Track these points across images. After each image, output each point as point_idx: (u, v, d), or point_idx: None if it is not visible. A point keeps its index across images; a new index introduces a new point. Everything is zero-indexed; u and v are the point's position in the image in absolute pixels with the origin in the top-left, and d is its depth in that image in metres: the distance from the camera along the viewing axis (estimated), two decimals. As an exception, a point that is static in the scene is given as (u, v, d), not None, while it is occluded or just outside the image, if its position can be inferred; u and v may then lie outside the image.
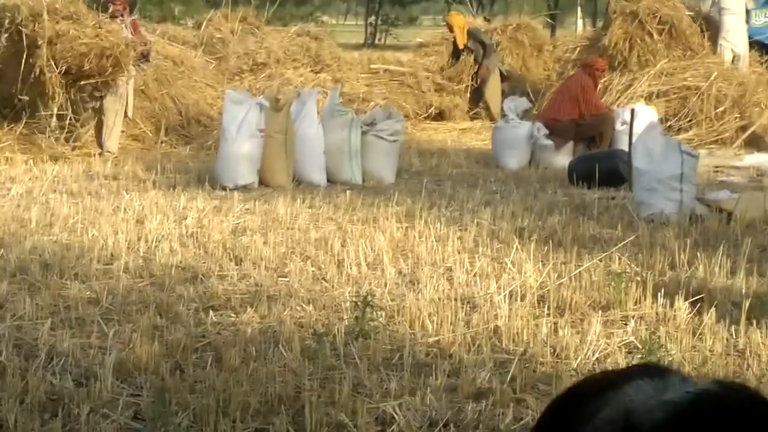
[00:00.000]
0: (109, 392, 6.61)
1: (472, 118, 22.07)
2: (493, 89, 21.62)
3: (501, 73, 22.04)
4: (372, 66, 23.39)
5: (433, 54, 24.07)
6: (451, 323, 7.98)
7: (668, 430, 1.62)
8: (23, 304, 8.43)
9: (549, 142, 16.51)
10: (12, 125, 17.17)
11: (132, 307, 8.48)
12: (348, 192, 13.78)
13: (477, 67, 22.08)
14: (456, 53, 22.15)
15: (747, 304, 8.17)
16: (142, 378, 6.89)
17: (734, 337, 7.76)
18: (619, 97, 18.85)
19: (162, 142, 18.49)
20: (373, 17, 78.69)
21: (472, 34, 21.98)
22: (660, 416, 1.66)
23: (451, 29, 22.63)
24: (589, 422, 1.71)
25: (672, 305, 8.38)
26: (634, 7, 21.55)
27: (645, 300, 8.58)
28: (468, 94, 22.47)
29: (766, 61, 20.43)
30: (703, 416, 1.68)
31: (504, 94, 20.64)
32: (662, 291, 8.80)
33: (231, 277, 9.34)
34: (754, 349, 7.42)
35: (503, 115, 17.55)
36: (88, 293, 8.83)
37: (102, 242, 10.50)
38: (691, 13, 21.19)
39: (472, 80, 22.09)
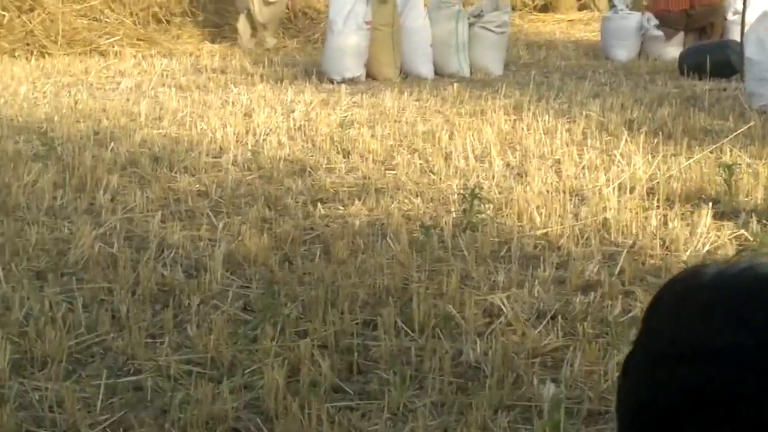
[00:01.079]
0: (219, 284, 6.75)
1: (581, 8, 21.89)
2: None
3: None
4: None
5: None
6: (559, 216, 8.00)
7: (704, 286, 1.59)
8: (134, 196, 8.57)
9: (659, 32, 16.39)
10: (118, 16, 17.35)
11: (241, 199, 8.61)
12: (455, 85, 13.75)
13: None
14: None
15: None
16: (251, 270, 7.04)
17: None
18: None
19: (284, 36, 18.53)
20: None
21: None
22: (714, 275, 1.62)
23: None
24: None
25: (784, 197, 8.34)
26: None
27: (756, 192, 8.53)
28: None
29: None
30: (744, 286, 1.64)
31: None
32: None
33: (339, 170, 9.39)
34: None
35: (612, 6, 17.45)
36: (197, 186, 8.96)
37: (210, 136, 10.60)
38: None
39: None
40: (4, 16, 16.44)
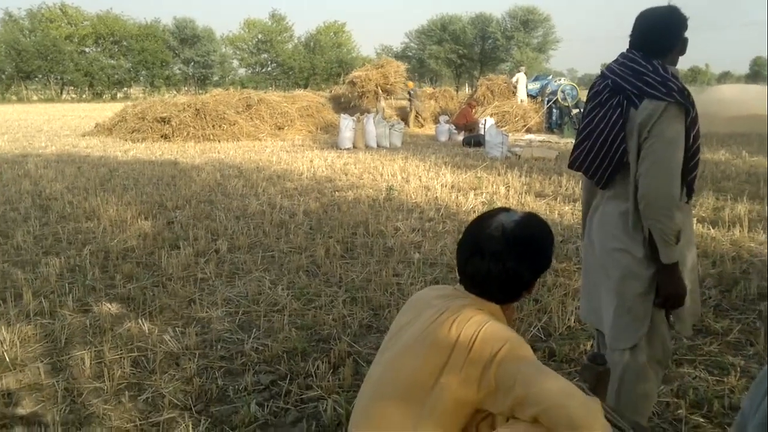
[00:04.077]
0: (301, 220, 6.66)
1: (434, 122, 21.49)
2: (420, 109, 20.90)
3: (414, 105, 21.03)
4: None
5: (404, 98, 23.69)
6: (420, 196, 7.95)
7: (515, 227, 1.76)
8: (272, 189, 8.42)
9: (455, 131, 16.42)
10: (264, 124, 17.24)
11: (308, 190, 8.34)
12: (384, 150, 13.63)
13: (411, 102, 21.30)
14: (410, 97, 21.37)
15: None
16: (313, 215, 6.87)
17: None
18: (480, 114, 18.60)
19: (319, 130, 18.36)
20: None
21: (413, 90, 21.35)
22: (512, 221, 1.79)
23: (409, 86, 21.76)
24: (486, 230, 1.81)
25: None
26: (488, 82, 21.45)
27: (491, 187, 8.57)
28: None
29: (533, 101, 20.16)
30: (526, 222, 1.80)
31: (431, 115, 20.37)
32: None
33: (342, 179, 9.23)
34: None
35: (439, 121, 17.46)
36: (293, 186, 8.72)
37: (297, 168, 10.42)
38: (508, 83, 21.06)
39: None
40: (226, 122, 16.27)
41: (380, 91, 19.25)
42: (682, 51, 2.38)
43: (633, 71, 2.30)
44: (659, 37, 2.32)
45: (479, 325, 1.60)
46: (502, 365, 1.53)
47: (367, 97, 19.59)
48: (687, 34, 2.38)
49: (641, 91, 2.26)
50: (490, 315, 1.68)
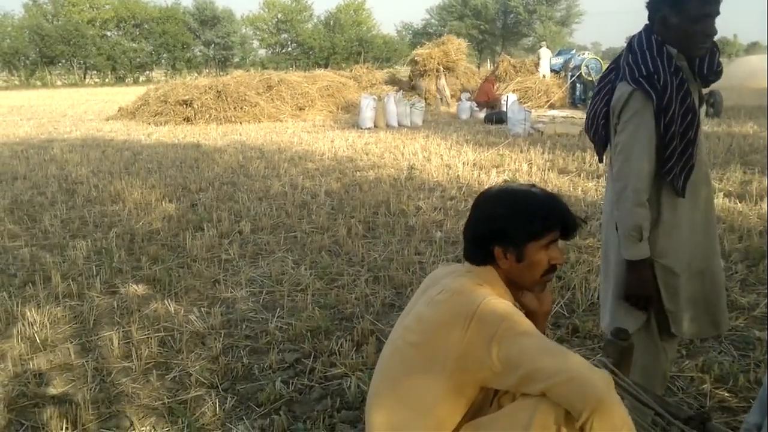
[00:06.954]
0: (324, 199, 6.67)
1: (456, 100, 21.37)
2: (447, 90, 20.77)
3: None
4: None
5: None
6: (441, 174, 7.92)
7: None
8: (293, 170, 8.45)
9: (477, 108, 16.26)
10: (285, 105, 17.24)
11: (329, 170, 8.38)
12: (405, 129, 13.58)
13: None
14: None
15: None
16: (335, 195, 6.91)
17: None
18: (502, 90, 18.33)
19: (340, 110, 18.30)
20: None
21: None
22: (488, 189, 1.82)
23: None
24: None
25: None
26: (511, 60, 21.30)
27: (513, 164, 8.51)
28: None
29: (556, 76, 19.84)
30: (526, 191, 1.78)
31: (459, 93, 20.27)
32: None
33: (363, 159, 9.23)
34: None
35: (460, 99, 17.29)
36: (314, 167, 8.73)
37: (320, 148, 10.45)
38: (530, 59, 20.87)
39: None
40: (247, 103, 16.33)
41: (441, 69, 19.93)
42: (686, 22, 1.98)
43: (631, 47, 2.10)
44: (648, 5, 2.07)
45: (475, 305, 1.56)
46: (503, 345, 1.49)
47: (429, 75, 20.47)
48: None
49: (623, 71, 2.08)
50: (489, 287, 1.65)
